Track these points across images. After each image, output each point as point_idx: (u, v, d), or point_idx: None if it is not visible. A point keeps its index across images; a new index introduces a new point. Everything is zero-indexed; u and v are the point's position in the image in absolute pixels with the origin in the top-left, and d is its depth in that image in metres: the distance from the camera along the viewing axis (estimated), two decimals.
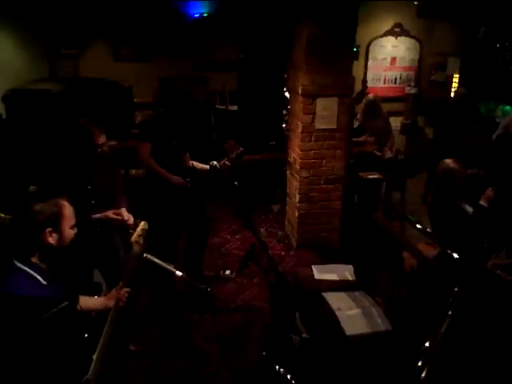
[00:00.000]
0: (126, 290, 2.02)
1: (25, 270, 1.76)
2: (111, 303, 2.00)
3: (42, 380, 1.69)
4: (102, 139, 2.82)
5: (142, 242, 2.03)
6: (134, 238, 2.02)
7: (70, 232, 1.88)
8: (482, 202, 3.09)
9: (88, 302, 2.09)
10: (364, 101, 5.57)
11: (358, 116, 5.63)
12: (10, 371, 1.67)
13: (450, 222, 3.07)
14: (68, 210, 1.87)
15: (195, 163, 3.85)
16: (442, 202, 3.12)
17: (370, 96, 5.68)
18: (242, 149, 3.83)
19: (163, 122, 3.60)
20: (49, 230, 1.79)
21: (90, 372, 1.68)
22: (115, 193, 2.95)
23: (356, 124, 6.05)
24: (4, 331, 1.66)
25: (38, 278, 1.78)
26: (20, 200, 1.88)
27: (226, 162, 3.73)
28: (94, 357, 1.71)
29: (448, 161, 3.16)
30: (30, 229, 1.77)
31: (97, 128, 2.83)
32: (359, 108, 5.68)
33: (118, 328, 2.95)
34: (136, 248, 2.01)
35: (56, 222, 1.82)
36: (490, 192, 3.12)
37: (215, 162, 3.70)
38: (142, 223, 2.09)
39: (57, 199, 1.86)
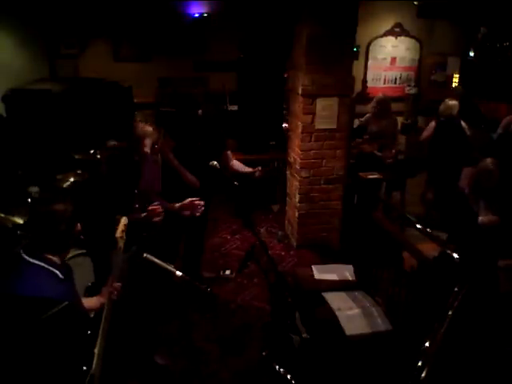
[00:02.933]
0: (116, 284, 2.05)
1: (43, 266, 1.78)
2: (104, 300, 2.04)
3: (50, 376, 1.71)
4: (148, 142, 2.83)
5: (124, 237, 2.09)
6: (118, 233, 2.08)
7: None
8: (480, 218, 3.08)
9: (84, 302, 2.11)
10: (374, 100, 5.57)
11: (368, 115, 5.62)
12: (17, 368, 1.68)
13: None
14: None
15: (237, 164, 3.89)
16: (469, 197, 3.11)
17: (381, 95, 5.68)
18: (276, 164, 3.86)
19: (198, 125, 3.65)
20: (78, 224, 1.88)
21: (93, 367, 1.71)
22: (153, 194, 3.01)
23: (356, 124, 6.05)
24: (10, 330, 1.67)
25: (57, 272, 1.80)
26: (37, 203, 1.92)
27: (259, 172, 3.79)
28: (96, 351, 1.74)
29: (489, 160, 3.15)
30: (65, 227, 1.82)
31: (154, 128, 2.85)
32: (368, 108, 5.68)
33: (142, 341, 3.00)
34: (121, 243, 2.07)
35: (79, 215, 1.91)
36: (492, 218, 3.10)
37: (215, 162, 3.71)
38: (123, 219, 2.14)
39: (66, 194, 1.97)
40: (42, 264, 1.78)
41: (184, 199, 3.50)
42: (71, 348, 1.75)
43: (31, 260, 1.78)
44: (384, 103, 5.45)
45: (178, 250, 3.78)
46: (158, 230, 3.02)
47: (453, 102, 5.21)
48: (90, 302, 2.14)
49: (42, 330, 1.66)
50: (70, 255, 3.03)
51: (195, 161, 3.63)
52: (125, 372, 2.90)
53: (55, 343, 1.69)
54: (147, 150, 2.83)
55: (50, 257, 1.81)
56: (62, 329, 1.70)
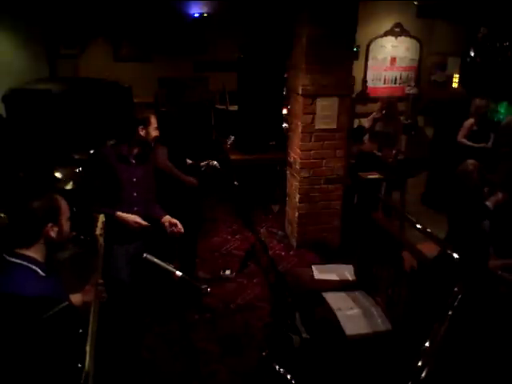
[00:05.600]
0: (100, 281, 2.05)
1: (21, 264, 1.79)
2: (88, 298, 2.03)
3: (44, 376, 1.71)
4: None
5: (103, 233, 2.12)
6: (97, 231, 2.10)
7: (67, 225, 1.94)
8: (488, 203, 3.08)
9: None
10: (382, 101, 5.57)
11: (374, 114, 5.62)
12: (11, 369, 1.68)
13: (461, 222, 3.06)
14: (63, 203, 1.94)
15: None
16: (457, 201, 3.11)
17: (389, 97, 5.69)
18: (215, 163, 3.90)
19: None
20: (50, 224, 1.85)
21: (86, 365, 1.71)
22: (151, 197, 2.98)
23: (356, 124, 6.06)
24: (6, 330, 1.67)
25: (37, 270, 1.80)
26: (15, 198, 1.93)
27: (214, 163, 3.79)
28: (87, 349, 1.74)
29: (469, 161, 3.15)
30: (33, 224, 1.82)
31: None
32: (369, 107, 5.70)
33: (128, 337, 3.00)
34: (101, 240, 2.10)
35: (55, 216, 1.88)
36: (499, 196, 3.10)
37: (215, 162, 3.72)
38: (101, 216, 2.17)
39: (51, 194, 1.93)
40: (21, 262, 1.79)
41: (178, 200, 3.51)
42: (65, 347, 1.75)
43: (10, 259, 1.79)
44: (391, 106, 5.48)
45: (174, 249, 3.79)
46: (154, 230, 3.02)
47: (484, 101, 5.27)
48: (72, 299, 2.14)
49: (37, 329, 1.66)
50: (66, 255, 3.04)
51: (183, 161, 3.64)
52: (120, 369, 2.90)
53: (49, 342, 1.69)
54: (155, 133, 2.79)
55: (30, 254, 1.82)
56: (56, 328, 1.70)
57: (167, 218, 2.90)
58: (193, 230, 3.93)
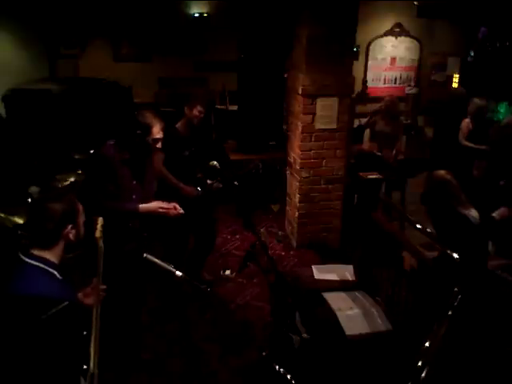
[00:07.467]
0: (102, 286, 2.02)
1: (39, 266, 1.78)
2: (88, 300, 2.01)
3: (51, 377, 1.72)
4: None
5: (103, 236, 2.10)
6: (97, 234, 2.07)
7: (82, 227, 1.96)
8: (494, 215, 3.07)
9: None
10: (385, 100, 5.58)
11: (375, 118, 5.62)
12: (17, 368, 1.68)
13: (452, 228, 3.04)
14: (80, 206, 1.96)
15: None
16: (441, 210, 3.09)
17: (391, 97, 5.69)
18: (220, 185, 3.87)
19: (176, 134, 3.58)
20: (70, 226, 1.86)
21: (91, 366, 1.71)
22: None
23: (356, 124, 6.05)
24: (18, 330, 1.67)
25: (55, 273, 1.80)
26: (34, 200, 1.92)
27: (219, 185, 3.77)
28: (91, 350, 1.74)
29: (440, 172, 3.12)
30: (53, 226, 1.82)
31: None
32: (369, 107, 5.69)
33: (128, 337, 2.99)
34: (101, 243, 2.07)
35: (74, 217, 1.89)
36: (505, 211, 3.09)
37: (215, 162, 3.71)
38: (100, 219, 2.14)
39: (70, 196, 1.94)
40: (39, 264, 1.78)
41: (188, 206, 3.47)
42: (71, 348, 1.75)
43: (28, 260, 1.78)
44: (393, 105, 5.48)
45: (186, 250, 3.78)
46: (161, 229, 3.00)
47: (480, 101, 5.27)
48: None
49: (42, 329, 1.67)
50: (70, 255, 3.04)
51: (188, 171, 3.59)
52: (120, 369, 2.90)
53: (56, 343, 1.69)
54: (159, 136, 2.71)
55: (48, 257, 1.81)
56: (62, 328, 1.70)
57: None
58: (211, 229, 3.94)
